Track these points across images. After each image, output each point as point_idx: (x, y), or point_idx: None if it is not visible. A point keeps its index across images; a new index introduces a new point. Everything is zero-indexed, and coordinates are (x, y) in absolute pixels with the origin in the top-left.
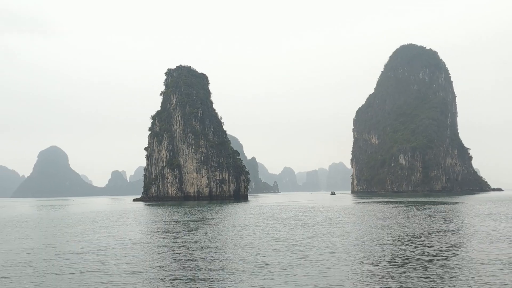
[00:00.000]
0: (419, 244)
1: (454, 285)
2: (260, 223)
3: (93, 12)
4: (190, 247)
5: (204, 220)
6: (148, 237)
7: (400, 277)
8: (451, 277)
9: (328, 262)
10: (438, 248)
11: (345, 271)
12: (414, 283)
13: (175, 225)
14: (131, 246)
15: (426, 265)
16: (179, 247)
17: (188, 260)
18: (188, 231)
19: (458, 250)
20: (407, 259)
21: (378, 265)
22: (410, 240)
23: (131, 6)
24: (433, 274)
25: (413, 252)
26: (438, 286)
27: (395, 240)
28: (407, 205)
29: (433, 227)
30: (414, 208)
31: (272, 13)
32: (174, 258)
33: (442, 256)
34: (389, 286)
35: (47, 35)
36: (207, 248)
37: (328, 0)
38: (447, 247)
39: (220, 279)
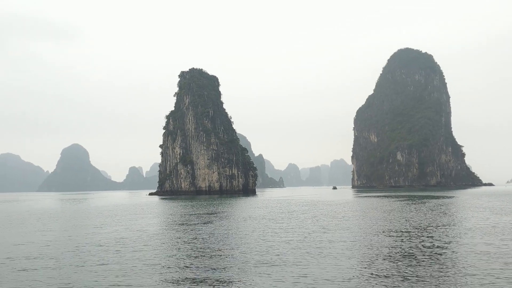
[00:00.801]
0: (427, 237)
1: (469, 277)
2: (270, 216)
3: (114, 20)
4: (205, 240)
5: (216, 213)
6: (165, 230)
7: (413, 271)
8: (464, 270)
9: (341, 254)
10: (447, 241)
11: (359, 264)
12: (430, 276)
13: (190, 218)
14: (148, 238)
15: (438, 258)
16: (195, 239)
17: (204, 252)
18: (203, 224)
19: (467, 243)
20: (419, 252)
21: (390, 257)
22: (418, 233)
23: (149, 16)
24: (447, 267)
25: (423, 245)
26: (454, 278)
27: (403, 233)
28: (407, 199)
29: (437, 220)
30: (415, 202)
31: (278, 20)
32: (190, 251)
33: (452, 249)
34: (405, 278)
35: (72, 41)
36: (222, 240)
37: (331, 8)
38: (456, 240)
39: (236, 271)
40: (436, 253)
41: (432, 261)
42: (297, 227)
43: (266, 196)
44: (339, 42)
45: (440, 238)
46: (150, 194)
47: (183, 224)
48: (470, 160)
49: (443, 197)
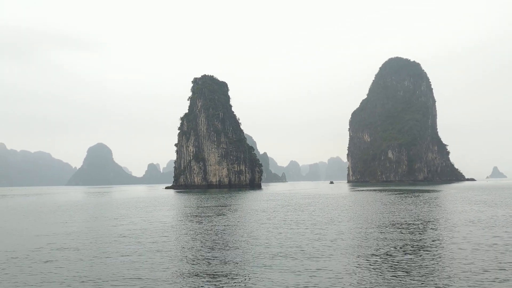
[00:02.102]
0: (433, 229)
1: (487, 272)
2: (280, 208)
3: (132, 33)
4: (221, 231)
5: (228, 206)
6: (181, 222)
7: (430, 263)
8: (482, 263)
9: (353, 247)
10: (456, 234)
11: (373, 257)
12: (447, 268)
13: (204, 210)
14: (166, 230)
15: (451, 251)
16: (211, 231)
17: (221, 243)
18: (217, 215)
19: (476, 235)
20: (430, 244)
21: (402, 250)
22: (423, 225)
23: (162, 29)
24: (464, 260)
25: (433, 237)
26: (472, 272)
27: (409, 225)
28: (401, 192)
29: (438, 213)
30: (410, 195)
31: (278, 23)
32: (207, 242)
33: (464, 242)
34: (420, 270)
35: (96, 53)
36: (237, 232)
37: (331, 25)
38: (464, 232)
39: (254, 263)
40: (447, 245)
41: (446, 254)
42: (308, 219)
43: (271, 190)
44: (338, 43)
45: (447, 231)
46: (166, 188)
47: (198, 216)
48: (453, 158)
49: (434, 191)
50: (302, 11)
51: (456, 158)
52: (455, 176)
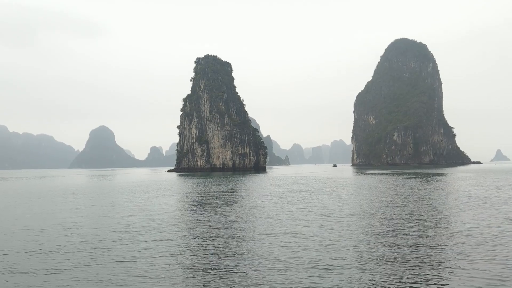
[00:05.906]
0: (469, 215)
1: None
2: (297, 194)
3: (135, 16)
4: (237, 227)
5: (238, 191)
6: (189, 212)
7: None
8: None
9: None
10: (497, 223)
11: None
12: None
13: (213, 197)
14: (172, 223)
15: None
16: (223, 225)
17: (242, 245)
18: (229, 204)
19: None
20: (467, 231)
21: (441, 235)
22: (456, 212)
23: (165, 12)
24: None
25: (471, 225)
26: None
27: (445, 212)
28: (416, 176)
29: (485, 202)
30: (429, 180)
31: (283, 14)
32: (224, 245)
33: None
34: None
35: (99, 36)
36: (259, 226)
37: (335, 8)
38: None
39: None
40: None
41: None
42: (339, 209)
43: (276, 173)
44: (341, 34)
45: (484, 216)
46: (169, 171)
47: (207, 204)
48: (458, 141)
49: (446, 174)
50: (311, 12)
51: (459, 141)
52: (461, 159)
